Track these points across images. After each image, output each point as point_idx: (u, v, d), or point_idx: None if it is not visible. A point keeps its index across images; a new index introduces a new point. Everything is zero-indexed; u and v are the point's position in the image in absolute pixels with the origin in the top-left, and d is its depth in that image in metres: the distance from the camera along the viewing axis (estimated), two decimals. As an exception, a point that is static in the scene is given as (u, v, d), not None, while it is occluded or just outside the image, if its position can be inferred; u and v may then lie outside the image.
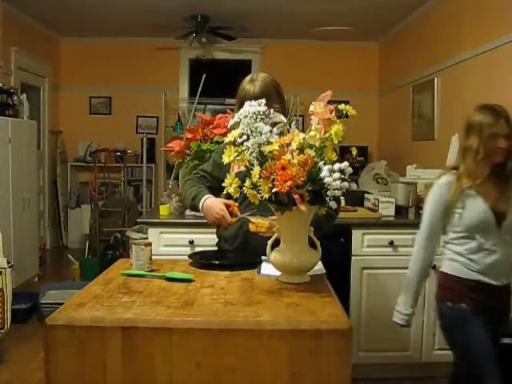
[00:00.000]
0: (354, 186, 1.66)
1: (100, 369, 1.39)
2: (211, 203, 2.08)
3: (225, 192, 1.77)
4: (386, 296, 3.03)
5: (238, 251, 2.18)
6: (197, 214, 2.40)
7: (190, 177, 2.33)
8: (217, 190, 2.25)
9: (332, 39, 6.71)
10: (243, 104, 2.15)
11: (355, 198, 3.34)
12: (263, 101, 1.69)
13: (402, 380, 3.07)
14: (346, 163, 1.60)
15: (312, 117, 1.65)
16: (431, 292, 3.02)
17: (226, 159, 1.67)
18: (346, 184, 1.59)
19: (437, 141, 4.87)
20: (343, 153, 2.54)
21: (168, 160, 6.58)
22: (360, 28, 6.18)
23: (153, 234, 2.99)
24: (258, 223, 1.94)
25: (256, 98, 2.10)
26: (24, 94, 5.26)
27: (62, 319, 1.42)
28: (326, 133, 1.61)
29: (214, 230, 2.37)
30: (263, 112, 1.66)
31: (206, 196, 2.12)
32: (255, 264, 1.98)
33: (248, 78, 2.25)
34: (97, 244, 5.50)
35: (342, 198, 1.73)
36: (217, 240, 2.36)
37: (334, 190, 1.57)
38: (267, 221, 1.91)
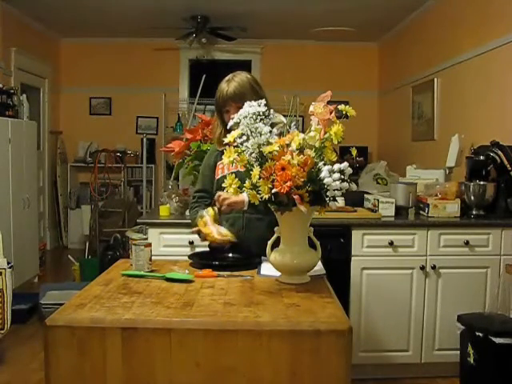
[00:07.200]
0: (353, 187, 1.66)
1: (100, 369, 1.39)
2: None
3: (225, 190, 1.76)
4: (385, 296, 3.03)
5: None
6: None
7: (192, 204, 2.40)
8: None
9: (332, 40, 6.72)
10: (218, 104, 2.20)
11: (355, 199, 3.34)
12: (263, 101, 1.68)
13: (402, 380, 3.07)
14: (345, 164, 1.60)
15: (312, 117, 1.65)
16: (431, 292, 3.04)
17: (225, 160, 1.67)
18: (345, 184, 1.59)
19: (436, 141, 4.87)
20: (343, 153, 2.55)
21: (168, 160, 6.58)
22: (360, 28, 6.18)
23: (153, 234, 2.99)
24: (209, 233, 2.06)
25: (229, 98, 2.14)
26: (24, 95, 5.27)
27: (61, 320, 1.42)
28: (325, 133, 1.61)
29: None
30: (263, 112, 1.65)
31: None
32: (255, 264, 1.98)
33: (227, 77, 2.22)
34: (97, 244, 5.51)
35: (341, 198, 1.73)
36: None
37: (334, 190, 1.57)
38: (219, 234, 2.04)
